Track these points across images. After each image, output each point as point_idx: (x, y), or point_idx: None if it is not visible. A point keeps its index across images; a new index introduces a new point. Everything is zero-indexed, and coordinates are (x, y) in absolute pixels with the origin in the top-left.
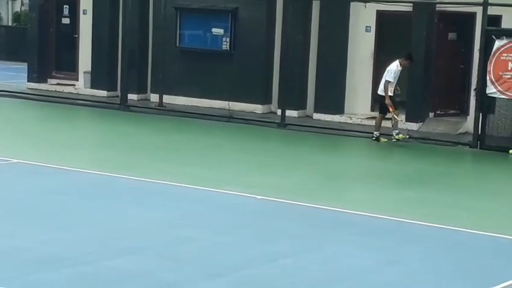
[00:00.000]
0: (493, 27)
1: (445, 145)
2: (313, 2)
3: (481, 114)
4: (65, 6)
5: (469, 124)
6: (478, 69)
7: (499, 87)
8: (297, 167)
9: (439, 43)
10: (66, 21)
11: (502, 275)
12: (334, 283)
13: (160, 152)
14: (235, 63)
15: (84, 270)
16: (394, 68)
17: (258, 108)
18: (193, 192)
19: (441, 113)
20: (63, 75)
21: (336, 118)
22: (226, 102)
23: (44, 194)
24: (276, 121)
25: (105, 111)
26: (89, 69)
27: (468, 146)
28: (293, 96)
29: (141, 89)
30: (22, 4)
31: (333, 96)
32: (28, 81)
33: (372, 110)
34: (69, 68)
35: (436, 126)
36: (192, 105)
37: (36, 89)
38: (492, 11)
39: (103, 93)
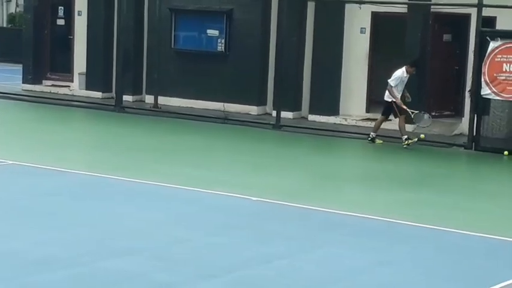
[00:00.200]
0: (488, 29)
1: (440, 146)
2: (308, 3)
3: (475, 115)
4: (59, 7)
5: (463, 125)
6: (473, 71)
7: (493, 89)
8: (292, 168)
9: (434, 44)
10: (61, 22)
11: (494, 276)
12: (329, 284)
13: (155, 153)
14: (230, 64)
15: (79, 271)
16: (399, 74)
17: (253, 110)
18: (188, 193)
19: (436, 114)
20: (58, 77)
21: (331, 119)
22: (221, 103)
23: (39, 195)
24: (271, 122)
25: (100, 113)
26: (84, 70)
27: (463, 148)
28: (288, 98)
29: (136, 91)
30: (17, 5)
31: (328, 97)
32: (23, 82)
33: (367, 111)
34: (64, 69)
35: (431, 127)
36: (187, 107)
37: (31, 90)
38: (487, 12)
39: (98, 94)
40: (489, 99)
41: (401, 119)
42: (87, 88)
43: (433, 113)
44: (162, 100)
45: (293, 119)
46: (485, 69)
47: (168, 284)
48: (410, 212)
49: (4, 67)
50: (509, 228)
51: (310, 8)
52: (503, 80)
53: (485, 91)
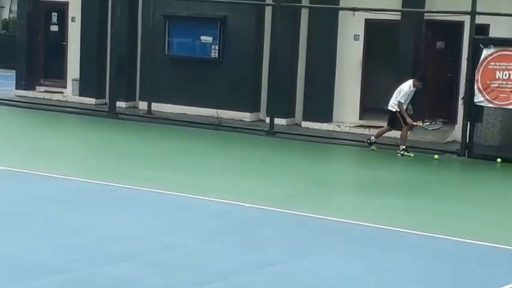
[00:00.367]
0: (481, 36)
1: (433, 153)
2: (302, 10)
3: (469, 122)
4: (53, 13)
5: (457, 133)
6: (466, 78)
7: (486, 96)
8: (285, 174)
9: (427, 52)
10: (54, 28)
11: (487, 283)
12: None
13: (149, 160)
14: (224, 71)
15: (73, 277)
16: (406, 88)
17: (246, 116)
18: (181, 199)
19: (429, 121)
20: (51, 83)
21: (325, 126)
22: (215, 110)
23: (32, 202)
24: (264, 129)
25: (94, 119)
26: (77, 76)
27: (456, 155)
28: (281, 104)
29: (129, 97)
30: (10, 11)
31: (321, 104)
32: (16, 88)
33: (361, 118)
34: (58, 75)
35: (424, 134)
36: (181, 113)
37: (25, 96)
38: (480, 20)
39: (91, 100)
40: (482, 106)
41: (405, 128)
42: (81, 94)
43: (426, 120)
44: (156, 106)
45: (286, 125)
46: (478, 76)
47: None
48: (404, 219)
49: None
50: (501, 235)
51: (304, 15)
52: (496, 87)
53: (479, 98)
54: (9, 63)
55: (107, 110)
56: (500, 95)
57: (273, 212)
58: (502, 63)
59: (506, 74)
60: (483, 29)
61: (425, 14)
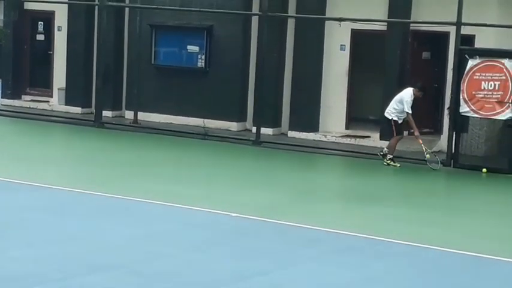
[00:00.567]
0: (466, 47)
1: (419, 163)
2: (288, 20)
3: (454, 133)
4: (39, 22)
5: (442, 143)
6: (452, 88)
7: (472, 106)
8: (272, 184)
9: (413, 62)
10: (40, 37)
11: None
12: None
13: (135, 169)
14: (210, 80)
15: (57, 286)
16: (408, 98)
17: (233, 126)
18: (167, 209)
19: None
20: (37, 92)
21: (311, 136)
22: (201, 119)
23: (17, 211)
24: (250, 139)
25: (80, 128)
26: (64, 85)
27: (442, 165)
28: (268, 114)
29: (115, 106)
30: None
31: (307, 114)
32: (2, 97)
33: (347, 128)
34: (44, 84)
35: (409, 144)
36: (167, 123)
37: (10, 105)
38: (465, 30)
39: (77, 109)
40: (468, 116)
41: (395, 139)
42: (67, 103)
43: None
44: (142, 116)
45: (273, 135)
46: (463, 87)
47: None
48: (389, 229)
49: None
50: (486, 245)
51: (290, 25)
52: (482, 97)
53: (464, 109)
54: None
55: (93, 119)
56: (486, 106)
57: (259, 221)
58: (487, 74)
59: (491, 85)
60: (468, 39)
61: (411, 25)
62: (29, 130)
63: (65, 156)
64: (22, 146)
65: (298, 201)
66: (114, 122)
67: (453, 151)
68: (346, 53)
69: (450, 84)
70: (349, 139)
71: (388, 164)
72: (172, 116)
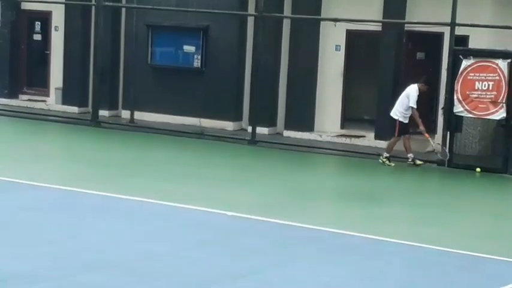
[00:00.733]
0: (460, 47)
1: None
2: (284, 20)
3: (448, 133)
4: (36, 22)
5: (436, 142)
6: (446, 89)
7: (466, 106)
8: (267, 183)
9: (408, 62)
10: (37, 37)
11: None
12: None
13: (131, 168)
14: (206, 80)
15: (52, 285)
16: (414, 93)
17: (228, 125)
18: (162, 208)
19: (410, 131)
20: (34, 91)
21: (306, 135)
22: (197, 119)
23: (12, 210)
24: (246, 138)
25: (76, 127)
26: (60, 85)
27: (436, 164)
28: (263, 114)
29: (112, 106)
30: None
31: (303, 113)
32: None
33: (342, 127)
34: (41, 84)
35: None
36: (163, 122)
37: (7, 104)
38: (459, 31)
39: (74, 109)
40: (462, 116)
41: (396, 139)
42: (64, 103)
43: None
44: (138, 115)
45: (268, 134)
46: (457, 87)
47: None
48: (383, 228)
49: None
50: (480, 244)
51: (286, 25)
52: (476, 97)
53: (458, 109)
54: None
55: (90, 118)
56: (480, 106)
57: (254, 220)
58: (481, 74)
59: (485, 85)
60: (463, 40)
61: (406, 25)
62: (26, 129)
63: (61, 155)
64: (19, 145)
65: (293, 200)
66: (110, 122)
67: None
68: (341, 53)
69: (444, 84)
70: (344, 139)
71: (383, 163)
72: (168, 116)
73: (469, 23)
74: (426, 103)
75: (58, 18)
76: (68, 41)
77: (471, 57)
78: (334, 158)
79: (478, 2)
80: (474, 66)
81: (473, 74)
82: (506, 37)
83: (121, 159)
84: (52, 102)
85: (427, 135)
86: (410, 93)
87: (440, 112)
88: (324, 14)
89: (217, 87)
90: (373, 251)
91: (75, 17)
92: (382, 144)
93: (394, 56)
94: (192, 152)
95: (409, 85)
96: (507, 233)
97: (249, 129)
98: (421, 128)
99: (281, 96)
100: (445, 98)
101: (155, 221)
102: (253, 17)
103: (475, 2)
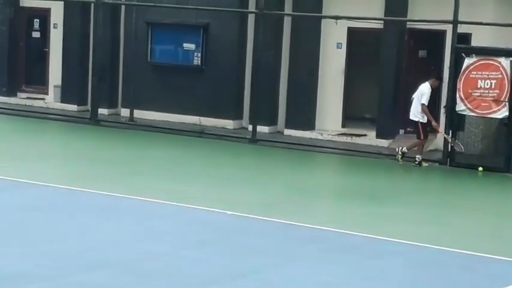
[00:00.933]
0: (463, 45)
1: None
2: (285, 18)
3: (451, 131)
4: (35, 20)
5: (438, 141)
6: (448, 87)
7: (468, 105)
8: (268, 182)
9: (409, 60)
10: (36, 35)
11: None
12: None
13: (131, 167)
14: (206, 78)
15: (52, 285)
16: (427, 90)
17: (229, 124)
18: (162, 207)
19: (411, 130)
20: (33, 89)
21: (307, 134)
22: (198, 117)
23: (11, 209)
24: (247, 137)
25: (75, 126)
26: (59, 83)
27: (438, 163)
28: (264, 112)
29: (111, 104)
30: None
31: (303, 112)
32: None
33: (343, 126)
34: (39, 82)
35: (406, 143)
36: (163, 120)
37: (6, 102)
38: (462, 29)
39: (73, 107)
40: (464, 115)
41: (422, 141)
42: (62, 101)
43: (409, 129)
44: (138, 113)
45: (269, 133)
46: (460, 85)
47: None
48: (385, 227)
49: None
50: (483, 244)
51: (287, 23)
52: (478, 96)
53: (460, 107)
54: None
55: (89, 116)
56: (482, 104)
57: (254, 219)
58: (483, 72)
59: (487, 83)
60: (465, 38)
61: (408, 23)
62: (25, 128)
63: (60, 154)
64: (17, 143)
65: (294, 199)
66: (110, 120)
67: (449, 150)
68: (343, 51)
69: (446, 82)
70: (345, 137)
71: (420, 165)
72: (168, 114)
73: (471, 20)
74: (428, 101)
75: (57, 16)
76: (67, 38)
77: (473, 55)
78: (335, 157)
79: (480, 0)
80: (476, 64)
81: (475, 72)
82: (509, 35)
83: (121, 158)
84: (51, 100)
85: (440, 130)
86: (424, 92)
87: (442, 111)
88: (325, 12)
89: (217, 85)
90: (374, 250)
91: (74, 15)
92: (383, 143)
93: (396, 54)
94: (192, 150)
95: (420, 85)
96: (509, 233)
97: (250, 127)
98: (434, 124)
99: (282, 94)
100: (447, 96)
101: (155, 220)
102: (253, 15)
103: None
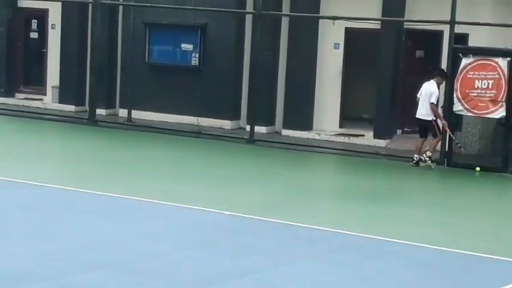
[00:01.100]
0: (460, 46)
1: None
2: (282, 18)
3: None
4: (33, 20)
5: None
6: (445, 87)
7: (465, 105)
8: (266, 182)
9: (407, 60)
10: (34, 35)
11: None
12: None
13: (129, 167)
14: (204, 79)
15: (51, 285)
16: (436, 89)
17: (226, 124)
18: (160, 207)
19: (409, 130)
20: (31, 90)
21: (304, 134)
22: (195, 117)
23: (10, 209)
24: (244, 137)
25: (73, 126)
26: (57, 83)
27: (435, 163)
28: (262, 112)
29: (109, 104)
30: None
31: (301, 112)
32: None
33: (341, 126)
34: (37, 82)
35: (403, 143)
36: (161, 121)
37: (4, 103)
38: (459, 29)
39: (71, 108)
40: (461, 115)
41: (437, 140)
42: (60, 101)
43: (406, 129)
44: (136, 114)
45: (267, 133)
46: (457, 85)
47: None
48: (384, 227)
49: None
50: (481, 244)
51: (284, 23)
52: (475, 96)
53: (458, 107)
54: None
55: (87, 117)
56: (479, 104)
57: (253, 219)
58: (480, 73)
59: (485, 83)
60: (462, 38)
61: (405, 23)
62: (23, 128)
63: (58, 154)
64: (15, 144)
65: (292, 200)
66: (107, 120)
67: (447, 150)
68: (340, 51)
69: (444, 83)
70: (342, 137)
71: (424, 162)
72: (166, 114)
73: (468, 21)
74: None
75: (55, 16)
76: (64, 39)
77: (471, 55)
78: (332, 157)
79: (477, 0)
80: (474, 64)
81: (472, 73)
82: (506, 35)
83: (119, 158)
84: (49, 100)
85: (448, 130)
86: (432, 91)
87: (440, 111)
88: (322, 12)
89: (215, 85)
90: (373, 250)
91: (72, 15)
92: (381, 143)
93: (393, 54)
94: (190, 151)
95: (423, 84)
96: (507, 233)
97: (247, 128)
98: (443, 122)
99: (279, 94)
100: (445, 96)
101: (153, 221)
102: (251, 15)
103: (474, 0)
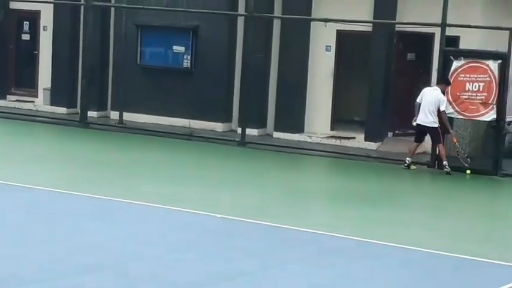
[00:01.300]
0: (451, 48)
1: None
2: (274, 21)
3: None
4: (25, 22)
5: (427, 144)
6: None
7: (456, 108)
8: (257, 185)
9: (398, 63)
10: (26, 37)
11: None
12: None
13: (120, 170)
14: (196, 81)
15: None
16: (443, 97)
17: (218, 127)
18: (152, 210)
19: (400, 132)
20: (22, 92)
21: (296, 137)
22: (187, 120)
23: (2, 212)
24: (236, 139)
25: (65, 128)
26: (49, 86)
27: (426, 166)
28: (253, 115)
29: (101, 106)
30: None
31: (292, 115)
32: None
33: (332, 129)
34: (29, 84)
35: (394, 145)
36: (153, 123)
37: None
38: (450, 31)
39: (63, 110)
40: (452, 118)
41: (444, 147)
42: (52, 104)
43: (397, 131)
44: (127, 116)
45: (258, 136)
46: (448, 88)
47: None
48: (376, 230)
49: None
50: (472, 246)
51: (276, 25)
52: (466, 99)
53: (448, 110)
54: None
55: (78, 119)
56: (470, 107)
57: (244, 222)
58: (471, 75)
59: (475, 86)
60: (453, 40)
61: (397, 26)
62: (15, 131)
63: (49, 156)
64: (6, 146)
65: (283, 202)
66: (99, 123)
67: (437, 152)
68: (332, 53)
69: (435, 85)
70: (334, 140)
71: (446, 169)
72: (157, 117)
73: (459, 23)
74: None
75: (47, 18)
76: (56, 41)
77: (462, 58)
78: (324, 160)
79: (468, 3)
80: (465, 67)
81: (463, 75)
82: (497, 38)
83: (110, 161)
84: (40, 103)
85: (455, 139)
86: (441, 99)
87: None
88: (314, 15)
89: (206, 87)
90: (364, 252)
91: (64, 17)
92: (372, 146)
93: (385, 56)
94: (182, 153)
95: (422, 90)
96: (499, 235)
97: (239, 130)
98: (451, 132)
99: (271, 97)
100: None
101: (144, 223)
102: (243, 17)
103: (465, 2)
